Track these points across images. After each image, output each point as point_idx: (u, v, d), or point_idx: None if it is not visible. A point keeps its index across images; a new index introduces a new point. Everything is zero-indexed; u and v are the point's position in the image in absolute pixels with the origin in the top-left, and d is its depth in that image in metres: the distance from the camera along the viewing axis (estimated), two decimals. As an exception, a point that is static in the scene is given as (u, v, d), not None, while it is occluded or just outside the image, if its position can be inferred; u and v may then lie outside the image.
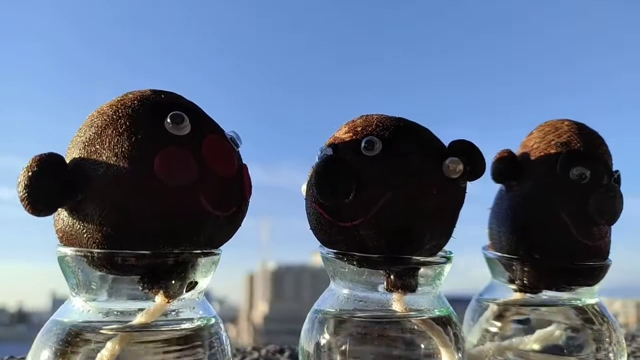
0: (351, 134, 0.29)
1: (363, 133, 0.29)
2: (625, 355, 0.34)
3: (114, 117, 0.24)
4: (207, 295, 0.29)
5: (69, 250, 0.24)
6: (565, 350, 0.34)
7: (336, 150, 0.29)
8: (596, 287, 0.34)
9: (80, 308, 0.25)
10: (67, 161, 0.24)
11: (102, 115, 0.25)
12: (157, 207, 0.23)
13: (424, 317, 0.30)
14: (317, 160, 0.31)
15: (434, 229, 0.29)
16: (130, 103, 0.25)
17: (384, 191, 0.27)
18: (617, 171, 0.33)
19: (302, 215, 0.32)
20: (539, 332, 0.36)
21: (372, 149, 0.28)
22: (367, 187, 0.28)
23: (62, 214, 0.24)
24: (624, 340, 0.34)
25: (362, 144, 0.28)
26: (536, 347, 0.36)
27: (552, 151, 0.33)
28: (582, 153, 0.33)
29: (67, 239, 0.25)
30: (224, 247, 0.28)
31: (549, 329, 0.36)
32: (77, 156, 0.24)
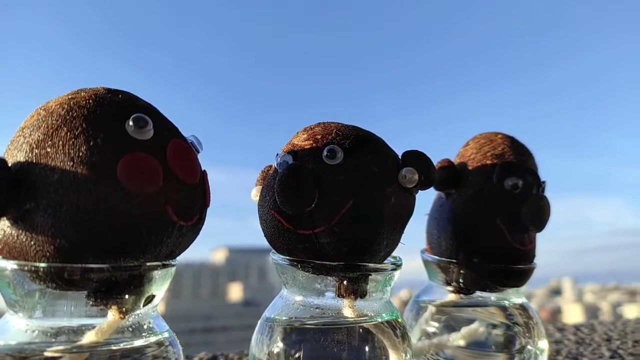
0: (311, 142, 0.29)
1: (323, 141, 0.29)
2: (547, 351, 0.38)
3: (68, 117, 0.22)
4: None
5: (9, 264, 0.22)
6: (493, 347, 0.36)
7: (296, 158, 0.29)
8: (522, 287, 0.37)
9: (22, 327, 0.23)
10: (10, 164, 0.22)
11: (52, 115, 0.22)
12: (120, 217, 0.21)
13: (375, 322, 0.31)
14: (275, 166, 0.30)
15: (390, 236, 0.29)
16: (84, 102, 0.23)
17: (346, 200, 0.28)
18: (544, 181, 0.36)
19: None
20: (464, 329, 0.39)
21: (334, 158, 0.28)
22: (329, 196, 0.28)
23: (2, 223, 0.22)
24: (546, 338, 0.38)
25: (324, 153, 0.28)
26: (462, 343, 0.39)
27: (488, 162, 0.36)
28: (515, 164, 0.35)
29: (8, 251, 0.22)
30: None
31: (473, 326, 0.38)
32: (22, 159, 0.22)
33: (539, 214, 0.34)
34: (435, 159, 0.39)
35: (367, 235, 0.28)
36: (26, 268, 0.21)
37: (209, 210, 0.26)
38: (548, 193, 0.36)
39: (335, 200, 0.28)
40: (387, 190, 0.29)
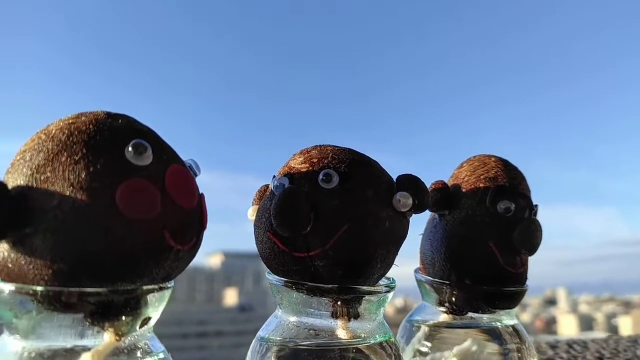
0: (307, 165, 0.30)
1: (319, 165, 0.30)
2: None
3: (68, 142, 0.22)
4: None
5: (8, 287, 0.22)
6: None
7: (292, 181, 0.30)
8: (515, 309, 0.38)
9: (19, 350, 0.23)
10: (9, 187, 0.22)
11: (53, 139, 0.23)
12: (118, 243, 0.22)
13: (368, 343, 0.31)
14: (271, 188, 0.31)
15: (384, 259, 0.30)
16: (85, 127, 0.23)
17: (341, 223, 0.28)
18: (536, 205, 0.37)
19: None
20: (457, 348, 0.39)
21: (329, 182, 0.29)
22: (324, 219, 0.28)
23: (1, 246, 0.22)
24: (537, 357, 0.38)
25: (320, 177, 0.29)
26: (454, 361, 0.39)
27: (481, 185, 0.37)
28: (507, 188, 0.36)
29: (6, 273, 0.22)
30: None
31: (466, 344, 0.39)
32: (23, 183, 0.22)
33: (531, 238, 0.34)
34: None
35: (361, 259, 0.29)
36: (24, 291, 0.22)
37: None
38: (540, 211, 0.37)
39: (331, 224, 0.28)
40: (382, 214, 0.29)
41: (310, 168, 0.30)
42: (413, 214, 0.31)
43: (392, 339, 0.33)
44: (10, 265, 0.22)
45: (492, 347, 0.38)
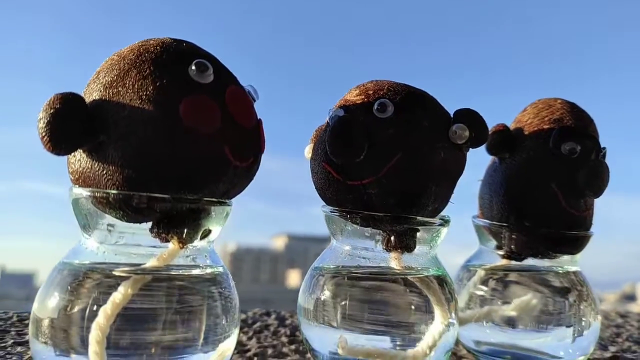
0: (363, 97, 0.30)
1: (375, 96, 0.30)
2: (599, 319, 0.37)
3: (137, 61, 0.24)
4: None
5: (84, 192, 0.24)
6: (545, 314, 0.36)
7: (347, 111, 0.30)
8: (577, 256, 0.36)
9: (94, 250, 0.25)
10: (87, 102, 0.24)
11: (124, 59, 0.25)
12: (182, 153, 0.23)
13: (421, 275, 0.31)
14: (327, 121, 0.32)
15: (438, 191, 0.30)
16: (152, 48, 0.25)
17: (395, 152, 0.28)
18: (604, 148, 0.35)
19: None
20: (516, 301, 0.38)
21: (384, 111, 0.29)
22: (378, 147, 0.28)
23: (78, 154, 0.24)
24: (599, 308, 0.37)
25: (375, 106, 0.29)
26: (513, 315, 0.38)
27: (545, 127, 0.35)
28: (573, 129, 0.34)
29: (83, 180, 0.24)
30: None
31: (526, 298, 0.38)
32: (97, 98, 0.24)
33: (597, 179, 0.33)
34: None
35: (414, 188, 0.29)
36: (98, 195, 0.24)
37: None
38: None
39: (384, 152, 0.28)
40: (437, 145, 0.29)
41: (365, 99, 0.30)
42: (470, 148, 0.31)
43: (447, 276, 0.32)
44: (86, 172, 0.24)
45: (553, 296, 0.36)
